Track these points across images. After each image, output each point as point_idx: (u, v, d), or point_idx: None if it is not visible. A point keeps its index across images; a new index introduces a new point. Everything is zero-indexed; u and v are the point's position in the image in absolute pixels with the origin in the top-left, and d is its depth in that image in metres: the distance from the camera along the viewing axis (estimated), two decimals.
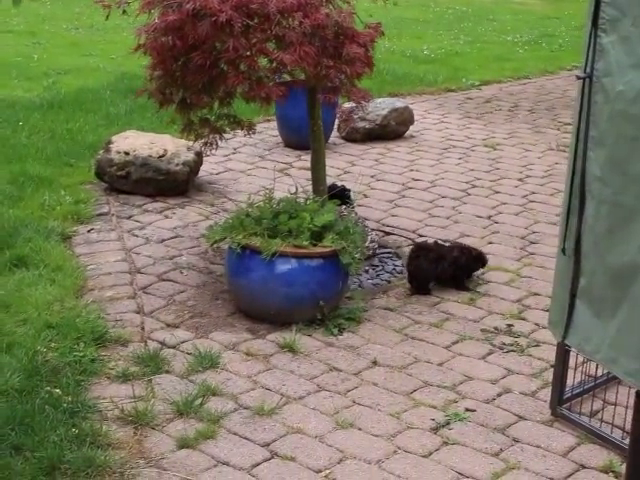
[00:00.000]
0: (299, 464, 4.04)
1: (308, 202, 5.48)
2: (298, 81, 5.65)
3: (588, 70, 3.03)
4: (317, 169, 5.94)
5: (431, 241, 6.07)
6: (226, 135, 6.06)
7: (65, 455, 3.94)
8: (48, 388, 4.45)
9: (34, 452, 3.95)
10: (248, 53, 5.11)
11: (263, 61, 5.28)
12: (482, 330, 5.27)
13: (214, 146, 5.96)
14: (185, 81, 5.37)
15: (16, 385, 4.40)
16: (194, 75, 5.27)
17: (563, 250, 3.27)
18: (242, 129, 5.92)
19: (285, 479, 3.93)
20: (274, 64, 5.20)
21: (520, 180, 7.98)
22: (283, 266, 5.14)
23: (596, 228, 3.11)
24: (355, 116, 6.36)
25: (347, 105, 6.55)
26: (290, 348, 4.97)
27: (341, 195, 6.17)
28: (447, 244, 6.04)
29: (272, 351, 4.97)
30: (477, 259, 5.89)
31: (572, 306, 3.26)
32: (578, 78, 3.10)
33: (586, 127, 3.06)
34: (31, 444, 3.99)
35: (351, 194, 6.48)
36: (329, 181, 6.13)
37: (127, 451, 4.07)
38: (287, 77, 5.72)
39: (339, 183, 6.65)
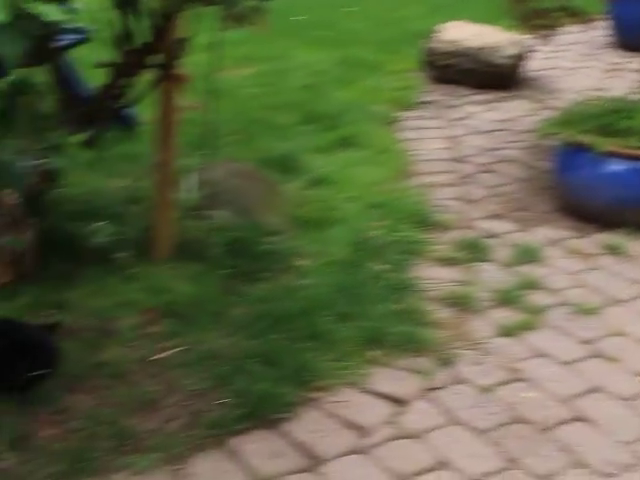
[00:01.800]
0: (618, 365, 3.94)
1: None
2: None
3: None
4: None
5: None
6: (555, 31, 5.87)
7: (386, 328, 4.03)
8: (372, 264, 4.55)
9: (357, 322, 4.07)
10: None
11: None
12: None
13: (548, 40, 5.80)
14: None
15: (343, 257, 4.55)
16: None
17: None
18: (581, 23, 5.73)
19: (604, 378, 3.85)
20: None
21: None
22: (613, 166, 4.95)
23: None
24: None
25: None
26: (616, 250, 4.82)
27: None
28: None
29: (596, 251, 4.84)
30: None
31: None
32: None
33: None
34: (356, 314, 4.11)
35: None
36: None
37: (446, 332, 4.09)
38: None
39: None
